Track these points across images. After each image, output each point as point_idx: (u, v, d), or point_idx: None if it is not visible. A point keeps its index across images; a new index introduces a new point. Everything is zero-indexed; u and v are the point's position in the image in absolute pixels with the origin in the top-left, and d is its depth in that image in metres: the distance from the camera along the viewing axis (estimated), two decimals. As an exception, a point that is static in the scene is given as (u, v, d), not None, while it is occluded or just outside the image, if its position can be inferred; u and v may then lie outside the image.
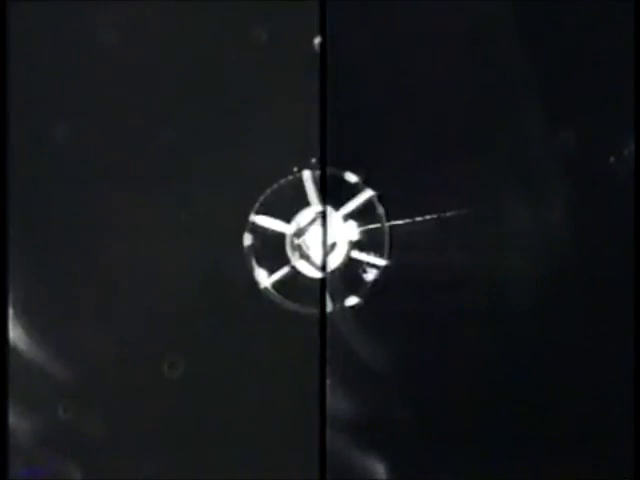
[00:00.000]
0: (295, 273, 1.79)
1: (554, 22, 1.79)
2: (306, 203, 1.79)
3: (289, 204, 1.79)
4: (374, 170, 1.80)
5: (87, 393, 1.76)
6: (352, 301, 1.78)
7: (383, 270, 1.79)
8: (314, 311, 1.77)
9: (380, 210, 1.79)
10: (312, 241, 1.79)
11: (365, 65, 1.80)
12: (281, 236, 1.79)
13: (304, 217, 1.79)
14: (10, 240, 1.76)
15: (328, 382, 1.74)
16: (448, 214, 1.76)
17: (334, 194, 1.79)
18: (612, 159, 1.77)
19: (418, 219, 1.77)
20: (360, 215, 1.80)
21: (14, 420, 1.74)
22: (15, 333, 1.76)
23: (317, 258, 1.79)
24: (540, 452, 1.72)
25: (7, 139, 1.77)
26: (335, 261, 1.79)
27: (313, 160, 1.78)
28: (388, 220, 1.79)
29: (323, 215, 1.79)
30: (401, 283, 1.78)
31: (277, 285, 1.78)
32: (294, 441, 1.74)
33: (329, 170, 1.79)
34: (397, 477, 1.75)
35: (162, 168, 1.80)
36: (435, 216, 1.76)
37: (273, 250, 1.79)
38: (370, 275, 1.79)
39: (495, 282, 1.77)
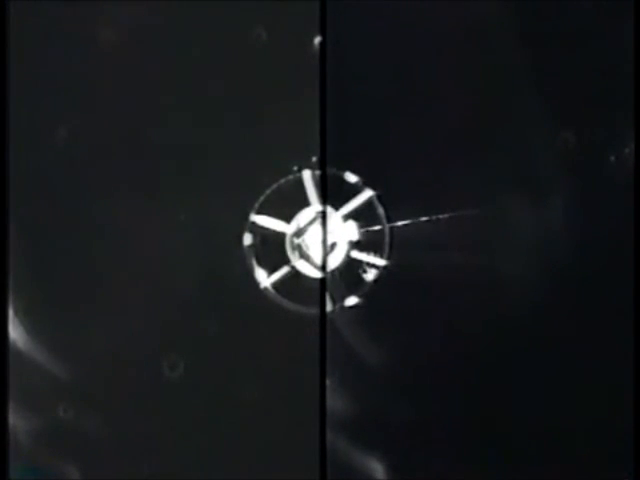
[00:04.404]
0: (295, 273, 1.79)
1: (554, 22, 1.79)
2: (306, 203, 1.79)
3: (289, 204, 1.79)
4: (374, 170, 1.80)
5: (87, 393, 1.76)
6: (352, 301, 1.78)
7: (383, 270, 1.79)
8: (314, 311, 1.77)
9: (380, 210, 1.79)
10: (312, 241, 1.79)
11: (365, 65, 1.80)
12: (281, 236, 1.79)
13: (304, 217, 1.79)
14: (11, 240, 1.76)
15: (328, 382, 1.74)
16: (448, 214, 1.76)
17: (334, 194, 1.79)
18: (612, 159, 1.77)
19: (418, 219, 1.77)
20: (360, 215, 1.80)
21: (14, 420, 1.74)
22: (15, 333, 1.77)
23: (317, 258, 1.79)
24: (540, 452, 1.72)
25: (7, 139, 1.77)
26: (335, 261, 1.79)
27: (313, 160, 1.78)
28: (388, 220, 1.79)
29: (323, 215, 1.79)
30: (401, 283, 1.78)
31: (277, 285, 1.78)
32: (294, 441, 1.74)
33: (329, 170, 1.79)
34: (397, 477, 1.75)
35: (162, 168, 1.80)
36: (435, 216, 1.76)
37: (273, 250, 1.79)
38: (370, 275, 1.79)
39: (495, 282, 1.77)
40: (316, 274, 1.79)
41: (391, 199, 1.79)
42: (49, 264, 1.79)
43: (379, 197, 1.79)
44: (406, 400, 1.76)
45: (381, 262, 1.78)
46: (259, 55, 1.80)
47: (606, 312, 1.74)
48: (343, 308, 1.78)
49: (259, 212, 1.79)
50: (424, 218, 1.77)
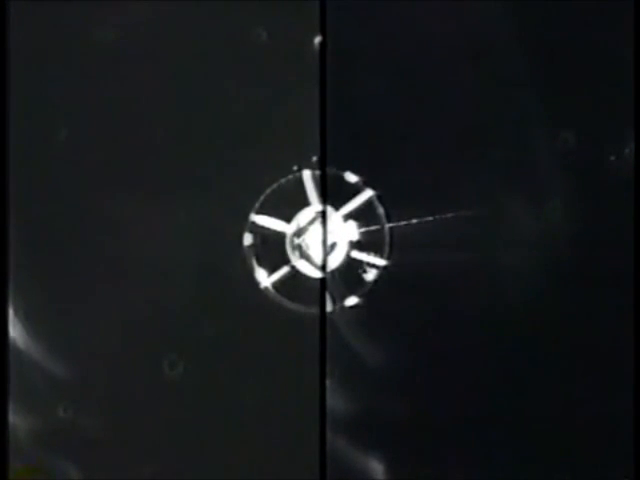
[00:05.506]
0: (295, 273, 1.79)
1: (554, 22, 1.79)
2: (306, 203, 1.79)
3: (289, 204, 1.79)
4: (374, 170, 1.80)
5: (87, 393, 1.76)
6: (352, 301, 1.78)
7: (383, 270, 1.78)
8: (314, 311, 1.77)
9: (380, 210, 1.79)
10: (312, 241, 1.79)
11: (365, 65, 1.80)
12: (281, 236, 1.79)
13: (304, 217, 1.79)
14: (11, 240, 1.76)
15: (328, 382, 1.74)
16: (448, 214, 1.76)
17: (334, 194, 1.79)
18: (612, 159, 1.77)
19: (418, 219, 1.77)
20: (360, 215, 1.80)
21: (14, 419, 1.74)
22: (15, 332, 1.77)
23: (317, 258, 1.79)
24: (540, 451, 1.72)
25: (8, 139, 1.77)
26: (335, 261, 1.79)
27: (313, 159, 1.78)
28: (388, 220, 1.79)
29: (323, 215, 1.79)
30: (401, 283, 1.78)
31: (277, 285, 1.78)
32: (294, 441, 1.74)
33: (329, 170, 1.79)
34: (397, 477, 1.75)
35: (162, 168, 1.80)
36: (434, 216, 1.76)
37: (273, 250, 1.79)
38: (370, 275, 1.79)
39: (495, 282, 1.77)
40: (316, 274, 1.79)
41: (391, 199, 1.79)
42: (49, 264, 1.79)
43: (379, 197, 1.79)
44: (406, 400, 1.76)
45: (381, 262, 1.78)
46: (259, 55, 1.80)
47: (606, 312, 1.74)
48: (343, 308, 1.78)
49: (259, 212, 1.79)
50: (424, 218, 1.77)
